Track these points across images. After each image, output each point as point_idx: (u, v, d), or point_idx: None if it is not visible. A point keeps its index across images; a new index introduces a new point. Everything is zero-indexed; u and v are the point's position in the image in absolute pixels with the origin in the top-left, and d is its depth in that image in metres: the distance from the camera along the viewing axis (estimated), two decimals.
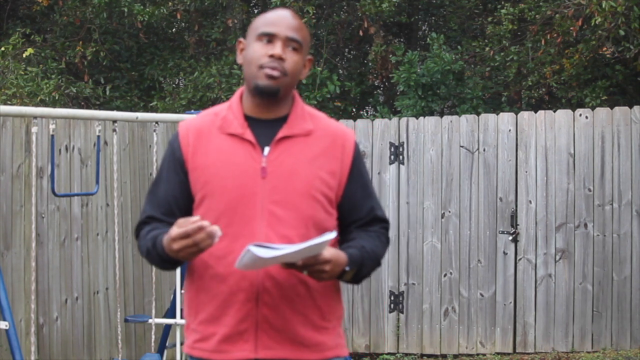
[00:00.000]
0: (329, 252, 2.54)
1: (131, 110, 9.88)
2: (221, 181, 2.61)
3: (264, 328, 2.61)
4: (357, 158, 2.74)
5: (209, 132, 2.68)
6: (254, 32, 2.65)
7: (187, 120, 2.79)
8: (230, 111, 2.70)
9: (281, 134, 2.65)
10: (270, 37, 2.61)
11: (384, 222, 2.79)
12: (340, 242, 2.72)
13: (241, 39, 2.72)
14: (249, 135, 2.65)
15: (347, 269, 2.61)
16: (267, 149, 2.64)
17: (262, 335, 2.61)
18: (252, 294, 2.60)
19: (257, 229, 2.59)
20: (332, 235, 2.49)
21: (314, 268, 2.52)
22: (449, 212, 8.20)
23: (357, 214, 2.73)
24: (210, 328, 2.65)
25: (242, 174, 2.62)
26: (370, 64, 10.64)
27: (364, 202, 2.74)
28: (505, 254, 8.11)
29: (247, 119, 2.67)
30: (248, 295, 2.60)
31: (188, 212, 2.69)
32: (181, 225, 2.47)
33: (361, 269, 2.67)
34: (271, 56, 2.59)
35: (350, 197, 2.71)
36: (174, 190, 2.69)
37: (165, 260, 2.62)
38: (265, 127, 2.66)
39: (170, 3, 10.60)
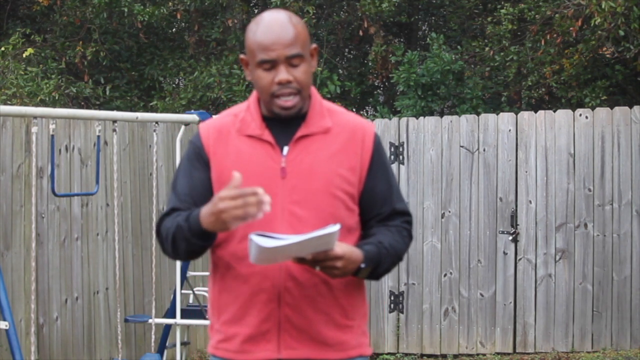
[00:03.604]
0: (342, 248, 2.52)
1: (131, 110, 9.88)
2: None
3: (286, 328, 2.61)
4: (377, 151, 2.70)
5: (228, 133, 2.67)
6: (253, 57, 2.59)
7: (207, 121, 2.79)
8: (248, 112, 2.69)
9: (300, 133, 2.64)
10: (271, 64, 2.58)
11: (405, 216, 2.75)
12: (361, 238, 2.70)
13: (242, 56, 2.68)
14: (267, 136, 2.64)
15: (363, 266, 2.59)
16: (286, 149, 2.63)
17: (285, 336, 2.62)
18: (273, 295, 2.60)
19: (278, 230, 2.57)
20: (336, 227, 2.46)
21: (325, 264, 2.51)
22: (449, 212, 8.20)
23: (377, 208, 2.70)
24: (233, 328, 2.66)
25: (261, 175, 2.61)
26: (370, 64, 10.64)
27: (384, 196, 2.70)
28: (505, 254, 8.11)
29: (265, 119, 2.66)
30: (270, 296, 2.60)
31: None
32: (230, 189, 2.39)
33: (379, 265, 2.64)
34: (279, 83, 2.57)
35: (370, 191, 2.68)
36: (197, 186, 2.66)
37: (194, 235, 2.53)
38: (284, 127, 2.65)
39: (170, 3, 10.61)
